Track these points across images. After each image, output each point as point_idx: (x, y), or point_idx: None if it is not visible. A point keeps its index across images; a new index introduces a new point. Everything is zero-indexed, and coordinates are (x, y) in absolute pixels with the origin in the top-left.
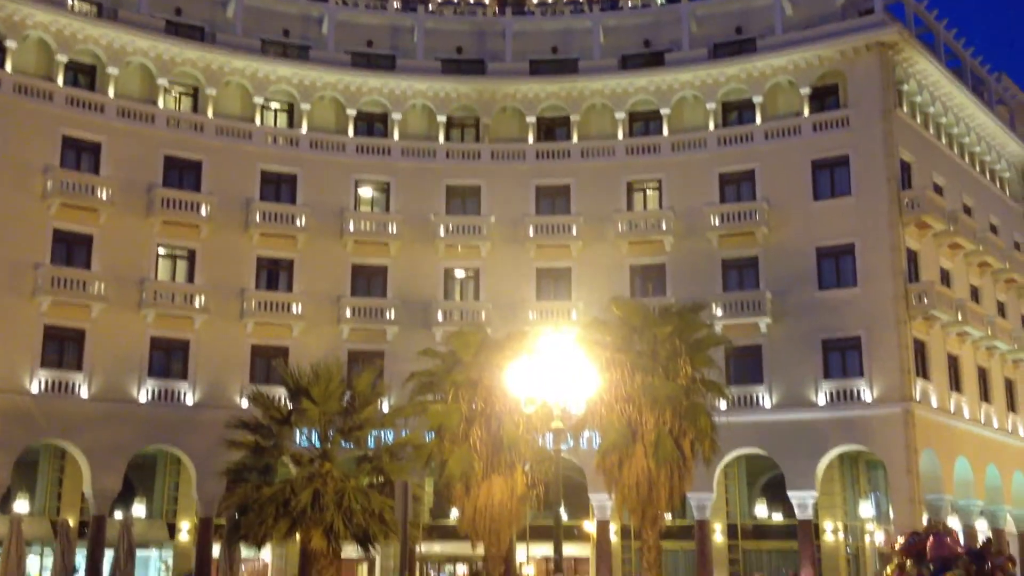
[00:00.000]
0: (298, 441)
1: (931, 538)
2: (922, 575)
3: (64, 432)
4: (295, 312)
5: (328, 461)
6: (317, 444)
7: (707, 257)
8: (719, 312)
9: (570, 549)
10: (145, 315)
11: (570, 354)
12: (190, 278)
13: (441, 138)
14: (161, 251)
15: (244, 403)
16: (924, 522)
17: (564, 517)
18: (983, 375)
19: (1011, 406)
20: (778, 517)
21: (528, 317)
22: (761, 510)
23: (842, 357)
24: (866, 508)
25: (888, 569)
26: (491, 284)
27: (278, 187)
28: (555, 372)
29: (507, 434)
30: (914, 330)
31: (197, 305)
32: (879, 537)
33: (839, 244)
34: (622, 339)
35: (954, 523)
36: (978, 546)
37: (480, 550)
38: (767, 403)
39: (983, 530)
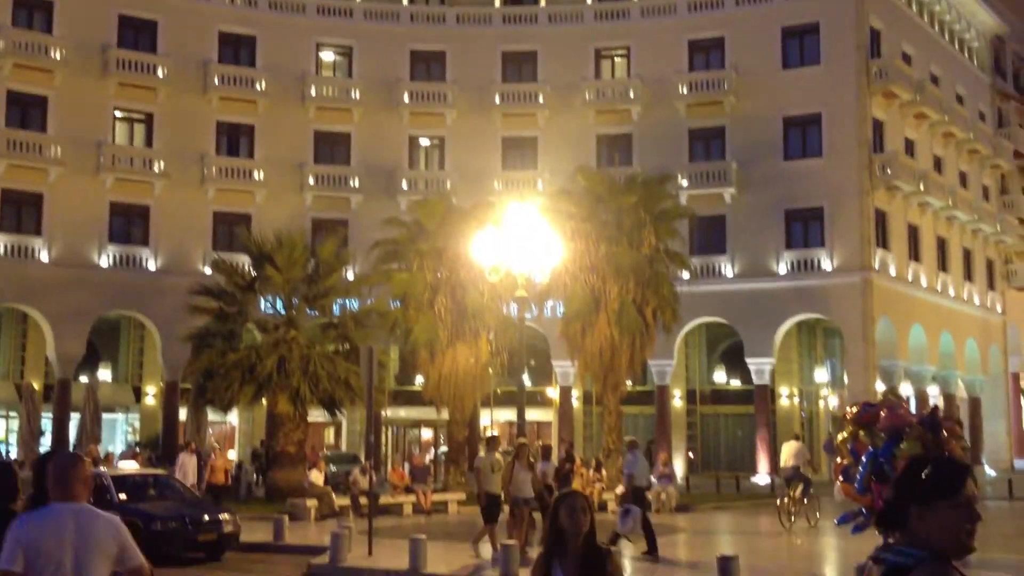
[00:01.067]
0: (263, 308)
1: (885, 408)
2: (876, 445)
3: (25, 296)
4: (257, 179)
5: (293, 328)
6: (282, 311)
7: (674, 127)
8: (684, 182)
9: (533, 414)
10: (104, 180)
11: (535, 224)
12: (148, 142)
13: (404, 0)
14: (118, 114)
15: (207, 270)
16: (877, 387)
17: (527, 384)
18: (942, 245)
19: (968, 275)
20: (736, 383)
21: (493, 187)
22: (720, 376)
23: (804, 227)
24: (821, 374)
25: (840, 437)
26: (456, 153)
27: (237, 50)
28: (520, 242)
29: (471, 303)
30: (876, 200)
31: (156, 170)
32: (833, 401)
33: (806, 114)
34: (587, 209)
35: (906, 389)
36: (928, 412)
37: (445, 415)
38: (729, 273)
39: (935, 395)
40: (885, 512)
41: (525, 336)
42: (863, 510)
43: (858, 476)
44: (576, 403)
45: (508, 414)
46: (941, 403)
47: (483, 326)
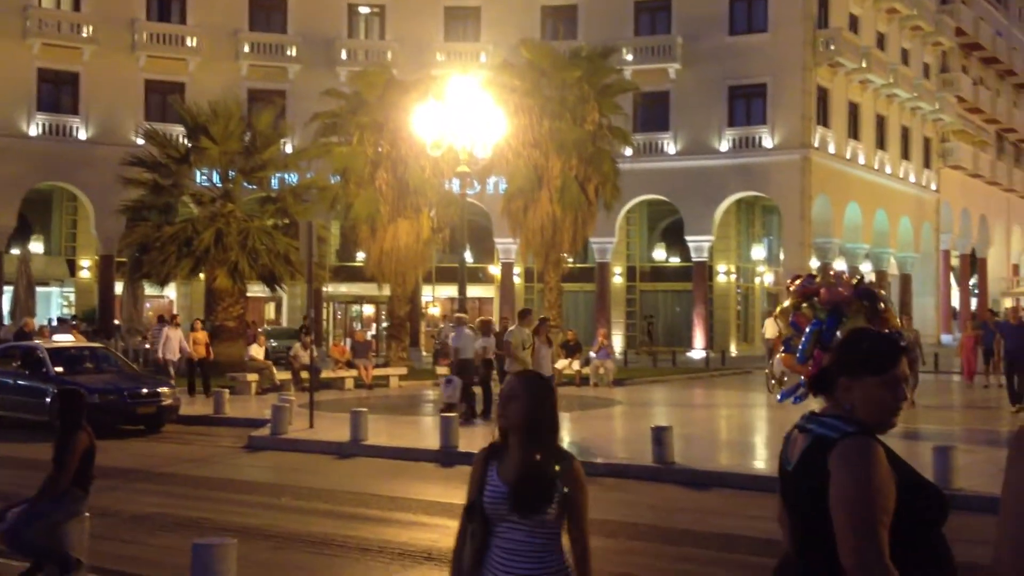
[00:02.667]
0: (198, 181)
1: (824, 285)
2: (818, 319)
3: None
4: (190, 46)
5: (230, 201)
6: (218, 184)
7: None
8: (629, 57)
9: (475, 291)
10: (31, 45)
11: (478, 98)
12: (76, 6)
13: None
14: None
15: (140, 140)
16: (812, 264)
17: (469, 260)
18: (881, 123)
19: (905, 154)
20: (675, 260)
21: (436, 59)
22: (659, 254)
23: (747, 104)
24: (758, 251)
25: (778, 309)
26: (397, 23)
27: None
28: (462, 116)
29: (413, 178)
30: (818, 77)
31: (85, 35)
32: (768, 278)
33: None
34: (531, 83)
35: (840, 266)
36: (857, 282)
37: (386, 291)
38: (672, 150)
39: (867, 271)
40: (817, 377)
41: (467, 212)
42: (802, 380)
43: (800, 347)
44: (518, 280)
45: (450, 290)
46: (873, 278)
47: (425, 202)
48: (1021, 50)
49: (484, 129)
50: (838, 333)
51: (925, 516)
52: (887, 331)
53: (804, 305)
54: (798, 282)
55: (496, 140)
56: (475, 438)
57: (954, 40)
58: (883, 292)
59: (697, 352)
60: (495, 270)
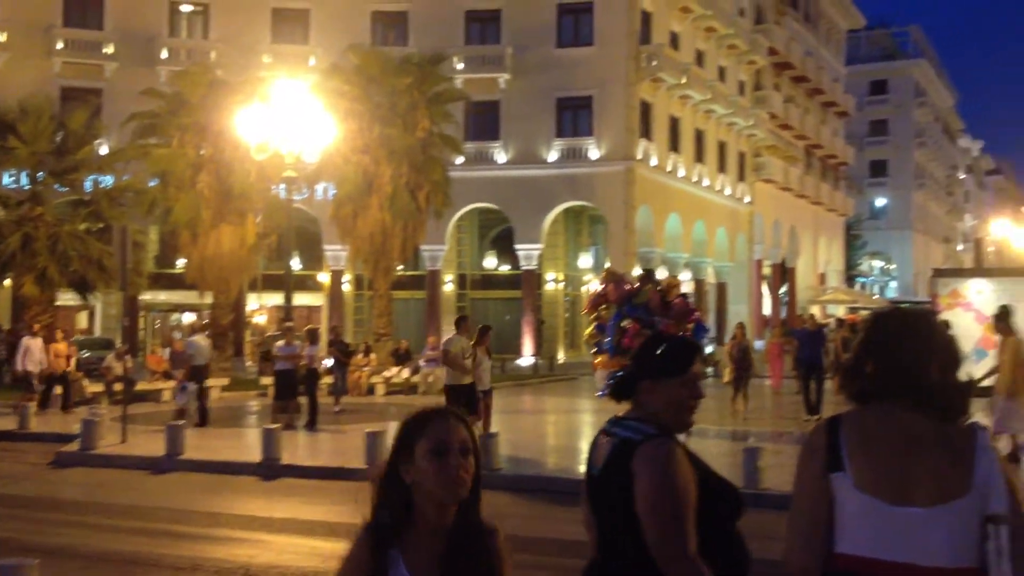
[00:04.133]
0: (5, 182)
1: (610, 285)
2: (618, 312)
3: None
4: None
5: (39, 204)
6: (27, 186)
7: (451, 7)
8: (460, 66)
9: (303, 298)
10: None
11: (306, 102)
12: None
13: None
14: None
15: None
16: (635, 273)
17: (297, 267)
18: (699, 137)
19: (721, 167)
20: (506, 268)
21: (262, 61)
22: (490, 261)
23: (574, 115)
24: (585, 260)
25: (588, 332)
26: (222, 22)
27: None
28: (289, 119)
29: (238, 182)
30: (641, 91)
31: None
32: (595, 286)
33: (580, 2)
34: (360, 89)
35: (662, 274)
36: (643, 273)
37: (208, 299)
38: (502, 159)
39: (686, 279)
40: (619, 382)
41: (295, 218)
42: (615, 373)
43: (606, 344)
44: (347, 287)
45: (276, 298)
46: (692, 287)
47: (250, 207)
48: (828, 70)
49: (312, 134)
50: (624, 323)
51: (722, 511)
52: (682, 334)
53: (602, 307)
54: (590, 296)
55: (325, 145)
56: (297, 450)
57: (767, 59)
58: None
59: (526, 359)
60: (324, 277)
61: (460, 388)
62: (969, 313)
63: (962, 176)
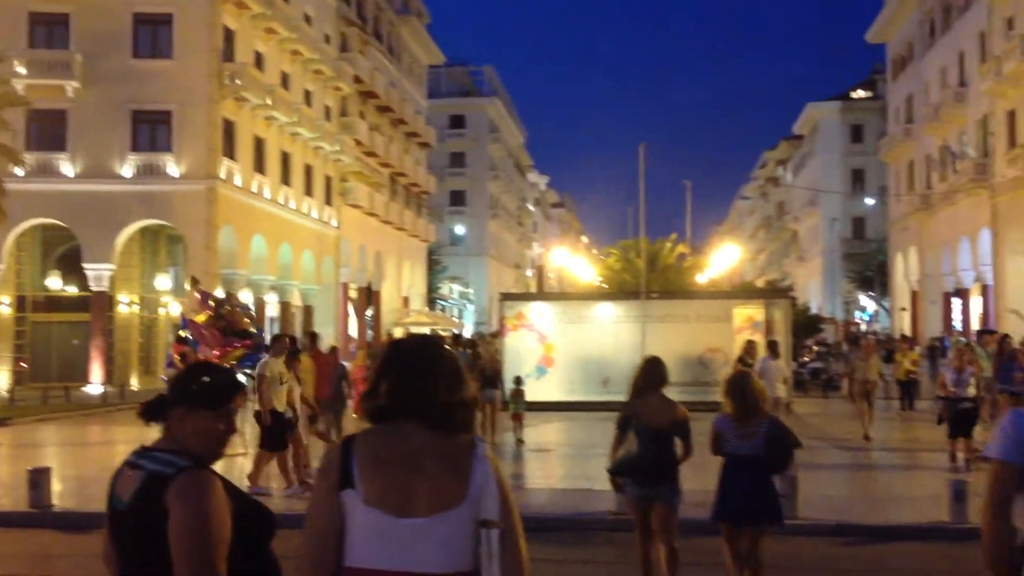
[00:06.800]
0: None
1: (197, 292)
2: (222, 317)
3: None
4: None
5: None
6: None
7: (12, 8)
8: (23, 70)
9: None
10: None
11: None
12: None
13: None
14: None
15: None
16: (218, 295)
17: None
18: (286, 159)
19: (308, 191)
20: (72, 289)
21: None
22: (54, 282)
23: (152, 130)
24: (163, 281)
25: (175, 356)
26: None
27: None
28: None
29: None
30: (224, 110)
31: None
32: (175, 308)
33: (157, 12)
34: None
35: (247, 297)
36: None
37: None
38: (69, 172)
39: (272, 302)
40: (152, 403)
41: None
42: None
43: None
44: None
45: None
46: (279, 310)
47: None
48: (411, 102)
49: None
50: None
51: (258, 535)
52: (226, 367)
53: (181, 332)
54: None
55: None
56: None
57: (353, 87)
58: (231, 298)
59: (95, 387)
60: None
61: (275, 413)
62: (532, 333)
63: (531, 208)
